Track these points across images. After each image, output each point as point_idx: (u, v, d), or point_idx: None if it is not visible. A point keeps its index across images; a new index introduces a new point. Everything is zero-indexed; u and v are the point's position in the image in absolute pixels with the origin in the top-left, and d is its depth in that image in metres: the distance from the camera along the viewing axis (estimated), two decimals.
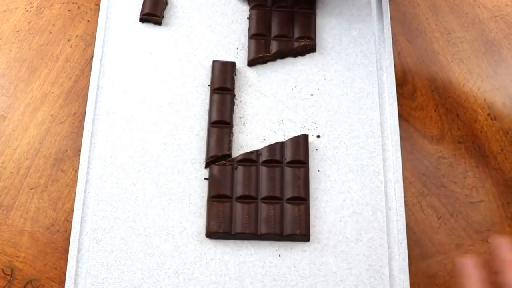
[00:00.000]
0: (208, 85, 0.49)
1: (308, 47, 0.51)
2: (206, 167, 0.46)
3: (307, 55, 0.51)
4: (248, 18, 0.52)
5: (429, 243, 0.45)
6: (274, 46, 0.50)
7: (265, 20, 0.51)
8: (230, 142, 0.47)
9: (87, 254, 0.44)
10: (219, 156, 0.46)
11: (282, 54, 0.50)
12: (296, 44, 0.50)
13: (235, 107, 0.49)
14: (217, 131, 0.47)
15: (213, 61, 0.50)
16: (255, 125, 0.48)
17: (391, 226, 0.45)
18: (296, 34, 0.51)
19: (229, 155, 0.46)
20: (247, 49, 0.51)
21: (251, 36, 0.51)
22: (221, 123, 0.47)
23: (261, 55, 0.50)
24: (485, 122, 0.50)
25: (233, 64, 0.49)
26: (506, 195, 0.47)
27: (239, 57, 0.51)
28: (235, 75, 0.49)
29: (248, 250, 0.44)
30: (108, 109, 0.48)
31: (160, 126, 0.48)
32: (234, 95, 0.49)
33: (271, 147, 0.46)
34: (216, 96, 0.48)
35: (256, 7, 0.52)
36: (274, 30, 0.51)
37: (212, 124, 0.47)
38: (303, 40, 0.50)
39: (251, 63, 0.50)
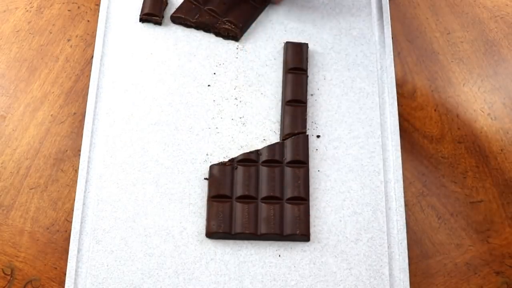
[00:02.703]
0: (208, 85, 0.50)
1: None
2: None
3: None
4: None
5: (429, 243, 0.45)
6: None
7: None
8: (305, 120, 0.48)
9: (87, 254, 0.44)
10: (295, 134, 0.47)
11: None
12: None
13: (236, 107, 0.49)
14: (292, 109, 0.48)
15: (286, 42, 0.51)
16: (255, 125, 0.48)
17: (391, 226, 0.45)
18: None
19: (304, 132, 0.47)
20: (247, 49, 0.51)
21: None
22: (296, 101, 0.48)
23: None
24: (485, 122, 0.50)
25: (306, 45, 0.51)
26: (506, 195, 0.47)
27: (239, 57, 0.51)
28: (307, 57, 0.51)
29: (248, 250, 0.44)
30: (108, 109, 0.48)
31: (160, 126, 0.48)
32: (307, 76, 0.50)
33: (271, 147, 0.46)
34: (290, 76, 0.49)
35: None
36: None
37: (287, 102, 0.48)
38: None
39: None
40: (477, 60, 0.53)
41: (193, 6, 0.52)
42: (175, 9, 0.52)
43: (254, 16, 0.52)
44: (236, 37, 0.51)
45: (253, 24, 0.53)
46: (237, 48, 0.52)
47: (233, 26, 0.51)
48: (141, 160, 0.47)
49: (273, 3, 0.53)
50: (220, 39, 0.52)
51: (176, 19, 0.52)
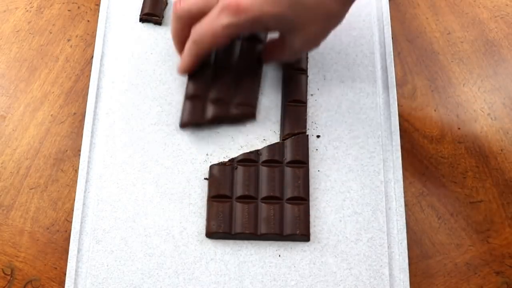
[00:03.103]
0: None
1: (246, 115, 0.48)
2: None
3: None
4: None
5: (429, 243, 0.45)
6: (211, 110, 0.47)
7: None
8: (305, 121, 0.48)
9: (87, 254, 0.44)
10: (294, 133, 0.47)
11: (219, 120, 0.47)
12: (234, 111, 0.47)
13: None
14: (292, 109, 0.48)
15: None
16: (255, 125, 0.48)
17: (391, 226, 0.45)
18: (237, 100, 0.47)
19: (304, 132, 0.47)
20: None
21: None
22: (296, 101, 0.48)
23: None
24: (485, 122, 0.50)
25: None
26: (506, 195, 0.47)
27: None
28: (307, 57, 0.50)
29: (248, 250, 0.44)
30: (108, 109, 0.48)
31: (160, 126, 0.48)
32: (307, 76, 0.49)
33: (271, 147, 0.46)
34: (290, 76, 0.49)
35: None
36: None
37: (287, 102, 0.48)
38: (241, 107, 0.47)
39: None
40: (477, 60, 0.53)
41: (196, 103, 0.47)
42: (181, 116, 0.47)
43: (259, 83, 0.48)
44: (253, 116, 0.48)
45: None
46: None
47: (247, 107, 0.47)
48: (141, 160, 0.47)
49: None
50: None
51: (187, 125, 0.47)
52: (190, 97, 0.47)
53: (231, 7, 0.40)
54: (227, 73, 0.48)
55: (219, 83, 0.47)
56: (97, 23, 0.52)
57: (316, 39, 0.44)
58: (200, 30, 0.42)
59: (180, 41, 0.46)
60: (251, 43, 0.49)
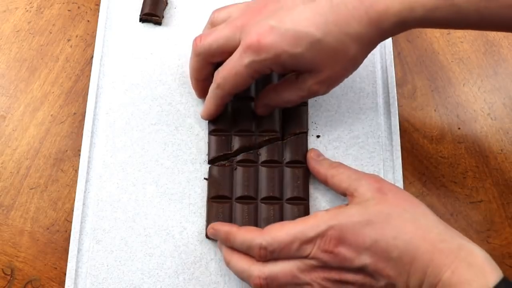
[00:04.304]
0: None
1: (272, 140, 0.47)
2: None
3: None
4: None
5: None
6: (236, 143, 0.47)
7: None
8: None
9: (87, 254, 0.44)
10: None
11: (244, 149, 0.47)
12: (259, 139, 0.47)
13: None
14: (292, 109, 0.47)
15: None
16: None
17: None
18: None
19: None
20: None
21: None
22: None
23: None
24: (485, 122, 0.50)
25: None
26: (506, 195, 0.47)
27: None
28: None
29: None
30: (108, 109, 0.48)
31: (160, 126, 0.48)
32: None
33: (271, 147, 0.46)
34: None
35: None
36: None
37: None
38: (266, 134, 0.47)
39: None
40: (477, 60, 0.53)
41: (221, 137, 0.47)
42: (208, 152, 0.47)
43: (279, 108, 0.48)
44: (279, 140, 0.47)
45: None
46: None
47: (272, 133, 0.46)
48: (141, 160, 0.47)
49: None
50: None
51: (216, 160, 0.46)
52: (214, 132, 0.47)
53: (253, 45, 0.39)
54: (246, 104, 0.48)
55: (240, 114, 0.47)
56: (97, 23, 0.52)
57: (330, 83, 0.42)
58: (223, 72, 0.42)
59: (198, 79, 0.46)
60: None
